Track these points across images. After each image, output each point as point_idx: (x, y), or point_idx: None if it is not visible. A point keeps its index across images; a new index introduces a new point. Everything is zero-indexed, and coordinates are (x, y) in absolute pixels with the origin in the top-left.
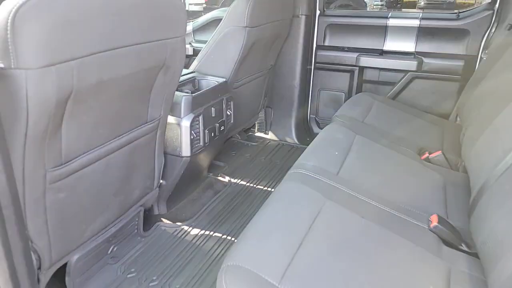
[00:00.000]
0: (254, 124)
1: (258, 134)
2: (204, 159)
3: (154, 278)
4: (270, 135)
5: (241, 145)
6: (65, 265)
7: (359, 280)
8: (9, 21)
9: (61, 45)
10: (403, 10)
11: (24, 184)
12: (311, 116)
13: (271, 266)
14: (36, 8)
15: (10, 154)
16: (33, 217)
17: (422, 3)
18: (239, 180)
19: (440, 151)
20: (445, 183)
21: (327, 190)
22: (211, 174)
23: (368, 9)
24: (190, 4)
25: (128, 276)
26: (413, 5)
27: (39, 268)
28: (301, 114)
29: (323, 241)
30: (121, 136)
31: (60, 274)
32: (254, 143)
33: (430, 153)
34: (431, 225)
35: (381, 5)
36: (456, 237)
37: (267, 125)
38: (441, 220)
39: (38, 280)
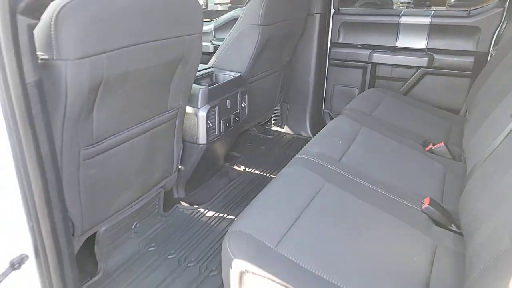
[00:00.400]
0: (271, 118)
1: (274, 128)
2: (220, 148)
3: (172, 252)
4: (286, 129)
5: (257, 137)
6: (94, 236)
7: (349, 248)
8: (52, 20)
9: (94, 41)
10: (433, 8)
11: (62, 159)
12: (325, 111)
13: (270, 233)
14: (74, 10)
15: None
16: (68, 188)
17: (453, 0)
18: (254, 170)
19: (442, 143)
20: (444, 172)
21: (327, 173)
22: (227, 163)
23: (394, 7)
24: (215, 3)
25: (149, 249)
26: (443, 3)
27: (73, 234)
28: (316, 109)
29: (319, 216)
30: (144, 122)
31: (90, 244)
32: (269, 136)
33: (434, 145)
34: (423, 207)
35: (408, 3)
36: (446, 218)
37: (283, 119)
38: (432, 202)
39: None
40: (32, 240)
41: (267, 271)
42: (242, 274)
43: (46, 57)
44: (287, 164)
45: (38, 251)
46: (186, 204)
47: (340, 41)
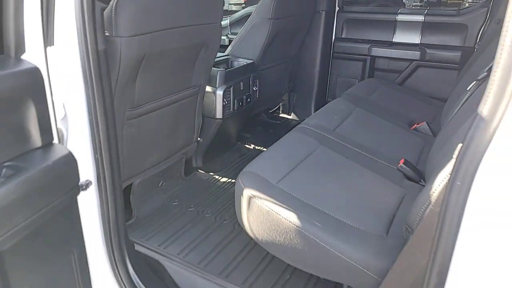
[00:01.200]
0: (279, 106)
1: (282, 114)
2: (233, 126)
3: (192, 206)
4: (293, 116)
5: (266, 122)
6: (129, 190)
7: (333, 189)
8: (113, 6)
9: (141, 24)
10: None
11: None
12: (328, 99)
13: (272, 174)
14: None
15: None
16: None
17: (467, 4)
18: (262, 148)
19: (425, 122)
20: (424, 145)
21: (322, 139)
22: (239, 142)
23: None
24: (230, 4)
25: (173, 203)
26: (456, 6)
27: None
28: (320, 97)
29: (312, 167)
30: (172, 95)
31: (125, 196)
32: (277, 122)
33: (418, 124)
34: (398, 165)
35: (420, 5)
36: (417, 175)
37: (290, 107)
38: (407, 162)
39: None
40: (95, 169)
41: (268, 196)
42: (250, 198)
43: (107, 34)
44: (290, 131)
45: (100, 178)
46: (203, 172)
47: (343, 36)
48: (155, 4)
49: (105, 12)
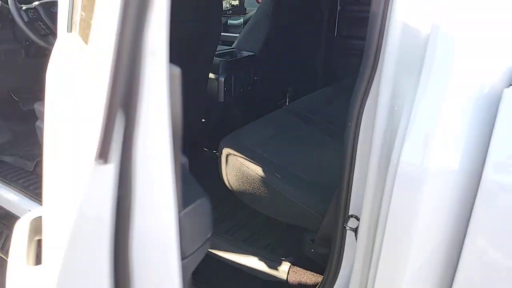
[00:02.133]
0: (286, 99)
1: None
2: (236, 111)
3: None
4: None
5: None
6: None
7: (298, 153)
8: None
9: None
10: None
11: None
12: None
13: (251, 141)
14: None
15: None
16: None
17: None
18: None
19: None
20: None
21: (304, 117)
22: None
23: None
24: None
25: None
26: None
27: None
28: None
29: (284, 137)
30: None
31: None
32: None
33: None
34: None
35: None
36: None
37: (295, 100)
38: None
39: None
40: None
41: (242, 154)
42: (227, 156)
43: None
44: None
45: None
46: (207, 150)
47: (344, 34)
48: None
49: None
